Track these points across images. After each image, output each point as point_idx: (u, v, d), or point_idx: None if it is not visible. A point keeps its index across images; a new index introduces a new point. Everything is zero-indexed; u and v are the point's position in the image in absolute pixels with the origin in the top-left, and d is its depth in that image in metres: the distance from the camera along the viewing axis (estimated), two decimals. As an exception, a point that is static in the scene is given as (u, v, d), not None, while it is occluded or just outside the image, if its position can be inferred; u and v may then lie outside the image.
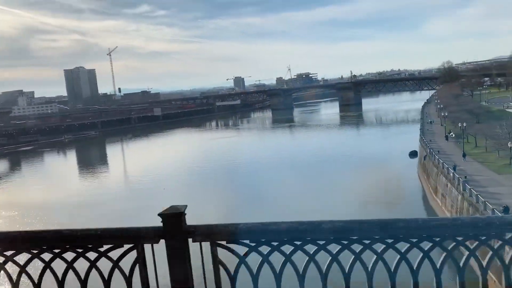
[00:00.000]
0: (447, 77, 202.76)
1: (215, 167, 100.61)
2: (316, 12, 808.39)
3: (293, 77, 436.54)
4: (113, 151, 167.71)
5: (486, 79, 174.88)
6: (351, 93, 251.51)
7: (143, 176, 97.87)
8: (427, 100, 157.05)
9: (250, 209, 60.59)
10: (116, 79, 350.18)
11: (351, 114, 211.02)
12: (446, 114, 75.79)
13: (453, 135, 72.16)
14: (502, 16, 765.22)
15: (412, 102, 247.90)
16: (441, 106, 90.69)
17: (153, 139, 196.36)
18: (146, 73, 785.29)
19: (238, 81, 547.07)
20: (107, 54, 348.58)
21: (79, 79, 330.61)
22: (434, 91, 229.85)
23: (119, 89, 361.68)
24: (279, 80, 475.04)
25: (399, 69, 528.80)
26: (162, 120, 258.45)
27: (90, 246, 3.83)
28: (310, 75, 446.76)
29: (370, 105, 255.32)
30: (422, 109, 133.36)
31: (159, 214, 3.70)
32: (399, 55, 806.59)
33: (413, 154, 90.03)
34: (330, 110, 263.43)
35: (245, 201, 67.82)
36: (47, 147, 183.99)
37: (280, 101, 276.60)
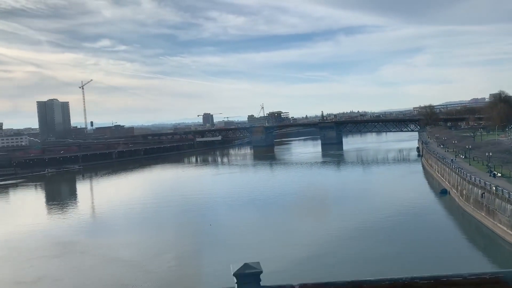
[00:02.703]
0: (428, 120, 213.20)
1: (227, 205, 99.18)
2: (274, 54, 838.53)
3: (265, 115, 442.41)
4: (105, 187, 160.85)
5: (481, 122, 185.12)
6: (333, 132, 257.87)
7: (157, 212, 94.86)
8: (423, 140, 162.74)
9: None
10: (73, 112, 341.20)
11: (336, 153, 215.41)
12: (491, 154, 79.71)
13: (499, 174, 75.60)
14: (448, 65, 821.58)
15: (382, 143, 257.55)
16: (470, 146, 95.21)
17: (141, 174, 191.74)
18: (104, 107, 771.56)
19: (207, 117, 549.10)
20: (80, 87, 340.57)
21: (53, 112, 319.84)
22: (411, 132, 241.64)
23: (91, 122, 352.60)
24: (251, 117, 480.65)
25: (358, 111, 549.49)
26: (143, 155, 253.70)
27: None
28: (282, 114, 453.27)
29: (348, 145, 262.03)
30: (426, 148, 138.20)
31: (234, 274, 3.21)
32: (356, 97, 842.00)
33: (443, 192, 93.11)
34: (312, 149, 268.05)
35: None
36: (31, 181, 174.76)
37: (262, 138, 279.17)
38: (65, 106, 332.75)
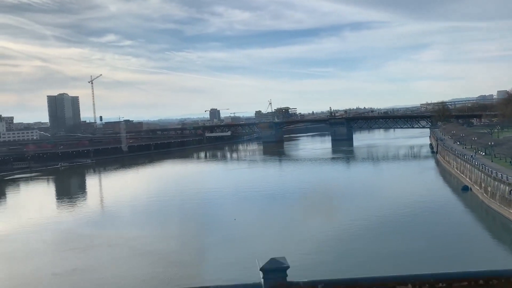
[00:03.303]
0: (441, 116, 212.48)
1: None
2: (279, 50, 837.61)
3: (273, 110, 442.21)
4: (120, 180, 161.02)
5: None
6: (344, 128, 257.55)
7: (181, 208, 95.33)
8: (437, 137, 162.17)
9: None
10: (81, 108, 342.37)
11: (347, 149, 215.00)
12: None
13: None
14: (455, 61, 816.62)
15: (392, 139, 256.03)
16: (492, 143, 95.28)
17: (153, 168, 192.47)
18: (109, 102, 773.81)
19: (214, 112, 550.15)
20: (89, 82, 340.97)
21: (63, 106, 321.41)
22: (421, 129, 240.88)
23: (101, 117, 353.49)
24: (258, 113, 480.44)
25: (364, 107, 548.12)
26: (153, 150, 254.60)
27: None
28: (290, 110, 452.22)
29: (357, 141, 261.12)
30: (442, 145, 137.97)
31: (261, 269, 3.18)
32: (361, 93, 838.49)
33: (464, 189, 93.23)
34: (322, 145, 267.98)
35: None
36: (46, 174, 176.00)
37: (272, 134, 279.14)
38: (75, 101, 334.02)
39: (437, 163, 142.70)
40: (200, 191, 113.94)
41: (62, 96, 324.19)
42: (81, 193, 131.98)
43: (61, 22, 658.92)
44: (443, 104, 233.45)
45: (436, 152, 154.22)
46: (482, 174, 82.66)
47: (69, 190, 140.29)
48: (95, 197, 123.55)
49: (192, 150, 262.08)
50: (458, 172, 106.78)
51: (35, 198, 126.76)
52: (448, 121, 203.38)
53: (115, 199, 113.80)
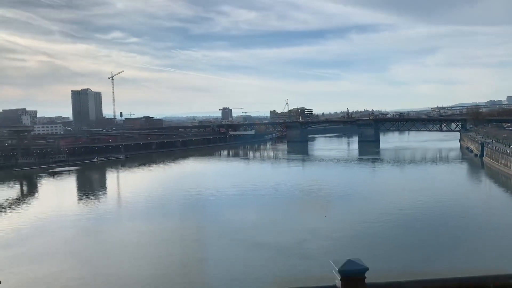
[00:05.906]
0: (475, 119, 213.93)
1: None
2: (285, 50, 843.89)
3: (287, 110, 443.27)
4: (167, 175, 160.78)
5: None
6: (372, 130, 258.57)
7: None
8: (480, 140, 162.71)
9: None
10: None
11: (376, 151, 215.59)
12: None
13: None
14: (461, 65, 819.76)
15: (418, 142, 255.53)
16: None
17: (191, 164, 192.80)
18: (112, 99, 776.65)
19: (226, 111, 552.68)
20: (109, 78, 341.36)
21: (87, 101, 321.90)
22: (447, 132, 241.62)
23: (121, 113, 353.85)
24: (273, 113, 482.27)
25: (372, 110, 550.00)
26: (180, 147, 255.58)
27: None
28: (306, 110, 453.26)
29: (382, 143, 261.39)
30: (494, 147, 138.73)
31: (339, 271, 2.98)
32: (366, 96, 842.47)
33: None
34: (346, 146, 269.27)
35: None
36: (87, 168, 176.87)
37: (297, 134, 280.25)
38: (97, 96, 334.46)
39: (484, 165, 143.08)
40: (264, 188, 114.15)
41: (86, 91, 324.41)
42: (145, 188, 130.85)
43: (67, 18, 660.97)
44: (477, 107, 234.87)
45: (482, 155, 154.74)
46: None
47: (129, 184, 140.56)
48: (163, 190, 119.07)
49: (216, 148, 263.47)
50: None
51: (103, 191, 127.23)
52: (483, 124, 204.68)
53: (190, 192, 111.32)
